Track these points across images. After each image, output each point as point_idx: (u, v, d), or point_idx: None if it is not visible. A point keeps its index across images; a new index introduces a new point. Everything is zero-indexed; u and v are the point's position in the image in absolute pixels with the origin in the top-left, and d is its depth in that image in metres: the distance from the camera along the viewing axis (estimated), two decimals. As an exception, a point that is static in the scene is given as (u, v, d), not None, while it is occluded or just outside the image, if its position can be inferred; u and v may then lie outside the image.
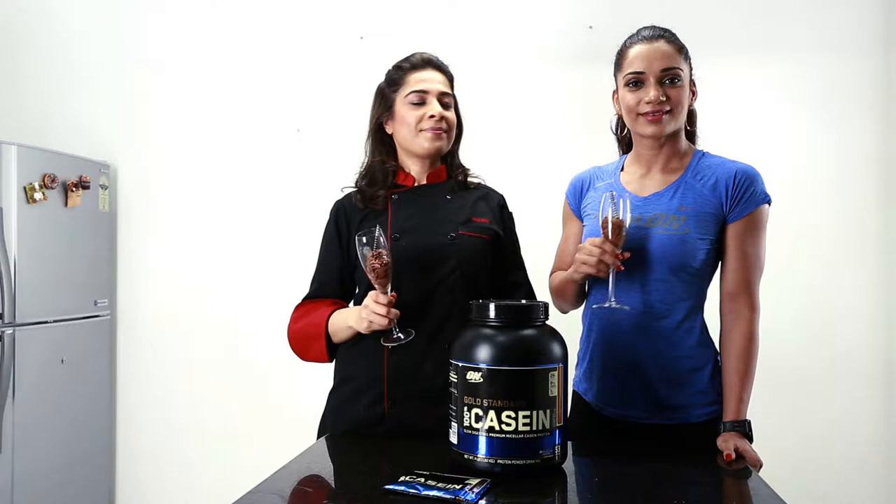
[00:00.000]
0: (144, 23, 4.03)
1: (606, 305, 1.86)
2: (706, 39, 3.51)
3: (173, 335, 3.97)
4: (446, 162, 2.14)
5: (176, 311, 3.98)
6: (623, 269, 1.84)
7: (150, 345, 4.01)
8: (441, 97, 2.05)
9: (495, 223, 2.09)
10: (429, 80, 2.05)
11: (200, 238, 3.96)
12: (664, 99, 1.88)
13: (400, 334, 1.86)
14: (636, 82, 1.91)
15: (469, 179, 2.16)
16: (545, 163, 3.54)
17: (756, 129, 3.55)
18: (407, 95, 2.03)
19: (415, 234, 1.93)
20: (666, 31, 1.93)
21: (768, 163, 3.22)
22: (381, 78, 2.14)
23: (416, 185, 2.10)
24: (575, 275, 1.91)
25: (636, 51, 1.91)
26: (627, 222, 1.82)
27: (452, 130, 2.08)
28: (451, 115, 2.06)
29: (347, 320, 1.94)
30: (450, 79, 2.11)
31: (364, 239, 1.81)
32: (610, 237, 1.81)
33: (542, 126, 3.68)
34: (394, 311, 1.83)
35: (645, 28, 1.95)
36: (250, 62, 3.93)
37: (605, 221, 1.82)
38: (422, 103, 2.03)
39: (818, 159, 3.55)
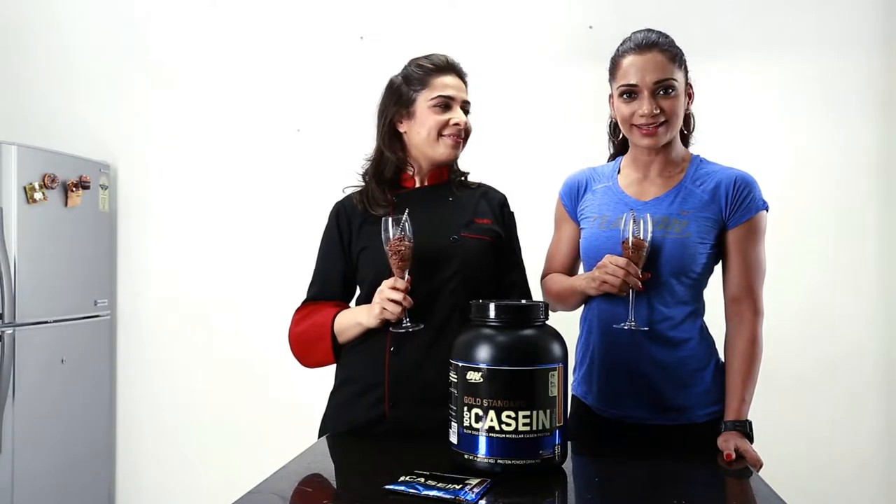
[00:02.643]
0: (144, 23, 4.03)
1: (626, 327, 1.86)
2: (705, 38, 3.52)
3: (173, 335, 3.97)
4: (449, 163, 2.13)
5: (176, 311, 3.97)
6: (643, 289, 1.85)
7: (151, 345, 4.01)
8: (464, 104, 2.06)
9: (497, 224, 2.08)
10: (454, 86, 2.04)
11: (200, 238, 3.96)
12: (658, 112, 1.88)
13: (409, 323, 1.86)
14: (630, 94, 1.91)
15: (469, 179, 2.16)
16: (545, 163, 3.52)
17: (756, 129, 3.55)
18: (432, 99, 2.01)
19: (417, 237, 1.92)
20: (661, 36, 1.92)
21: (768, 163, 3.25)
22: (382, 78, 2.12)
23: (416, 186, 2.10)
24: (591, 290, 1.92)
25: (629, 61, 1.90)
26: (648, 241, 1.82)
27: (468, 137, 2.09)
28: (469, 121, 2.07)
29: (357, 317, 1.95)
30: (466, 84, 2.10)
31: (390, 222, 1.83)
32: (632, 257, 1.82)
33: (541, 126, 3.67)
34: (408, 298, 1.84)
35: (638, 32, 1.93)
36: (250, 62, 3.93)
37: (626, 242, 1.83)
38: (446, 108, 2.02)
39: (818, 160, 3.54)
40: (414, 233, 1.86)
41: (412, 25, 3.78)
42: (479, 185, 2.17)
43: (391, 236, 1.83)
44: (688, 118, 2.04)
